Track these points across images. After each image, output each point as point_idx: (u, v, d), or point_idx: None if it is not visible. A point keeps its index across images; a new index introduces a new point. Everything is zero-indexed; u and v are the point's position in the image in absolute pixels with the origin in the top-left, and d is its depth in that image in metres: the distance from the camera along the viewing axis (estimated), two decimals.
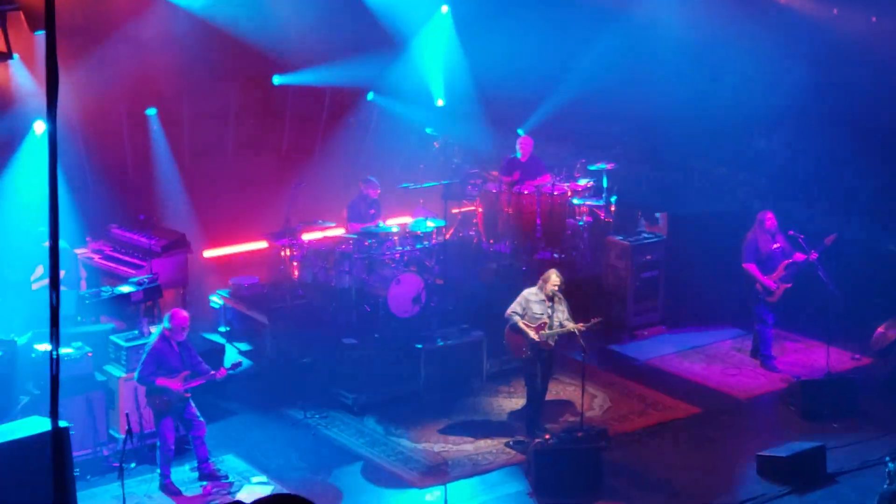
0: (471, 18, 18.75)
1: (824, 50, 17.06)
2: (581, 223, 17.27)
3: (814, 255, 14.27)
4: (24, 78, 14.81)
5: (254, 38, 16.70)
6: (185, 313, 11.81)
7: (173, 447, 11.69)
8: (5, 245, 14.43)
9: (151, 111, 16.62)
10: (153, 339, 11.75)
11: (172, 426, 11.70)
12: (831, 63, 17.04)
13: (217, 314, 15.74)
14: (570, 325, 12.63)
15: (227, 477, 11.97)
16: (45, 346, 12.16)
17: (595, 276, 16.47)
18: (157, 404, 11.61)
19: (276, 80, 17.54)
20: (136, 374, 11.71)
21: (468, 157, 18.55)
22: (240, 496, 11.44)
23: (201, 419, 11.86)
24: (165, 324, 11.66)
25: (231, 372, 12.10)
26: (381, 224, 15.65)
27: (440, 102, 19.34)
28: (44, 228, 13.98)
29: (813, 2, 17.70)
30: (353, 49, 17.75)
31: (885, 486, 10.37)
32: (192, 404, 11.80)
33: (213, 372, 11.82)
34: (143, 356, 11.67)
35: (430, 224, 15.57)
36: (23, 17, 13.35)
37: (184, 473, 11.99)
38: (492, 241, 17.28)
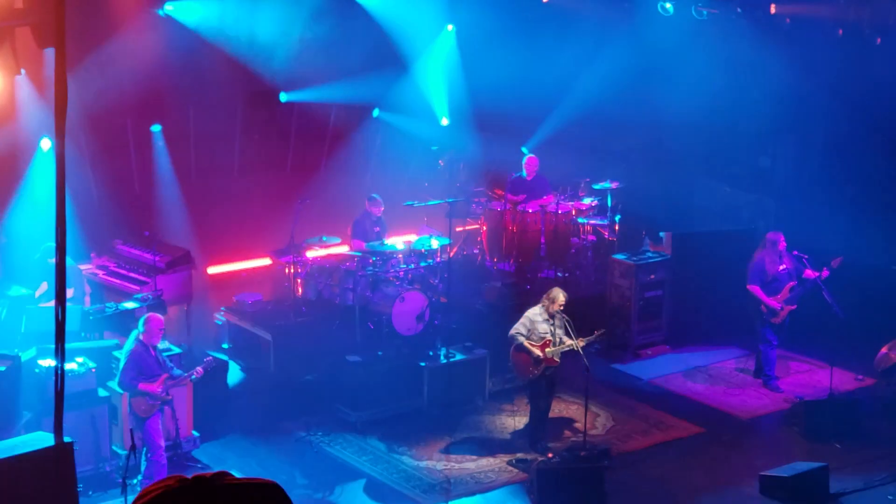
0: (475, 36, 18.77)
1: (831, 67, 17.08)
2: (585, 242, 17.30)
3: (826, 273, 14.27)
4: (29, 94, 14.84)
5: (260, 56, 16.75)
6: (160, 317, 11.88)
7: (165, 453, 11.70)
8: (10, 261, 14.45)
9: (156, 128, 16.65)
10: (130, 345, 11.78)
11: (160, 427, 11.70)
12: (837, 81, 17.07)
13: (220, 331, 15.77)
14: (574, 341, 12.64)
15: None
16: (50, 362, 12.16)
17: (599, 295, 16.46)
18: (143, 409, 11.63)
19: (284, 97, 17.58)
20: (116, 380, 11.78)
21: (473, 176, 18.58)
22: None
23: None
24: (140, 328, 11.72)
25: (207, 370, 12.14)
26: (385, 242, 15.66)
27: (444, 121, 19.35)
28: (50, 244, 13.99)
29: (818, 19, 17.70)
30: (359, 67, 17.77)
31: None
32: (172, 408, 11.99)
33: (190, 372, 11.94)
34: (123, 362, 11.75)
35: (435, 243, 15.52)
36: (31, 32, 13.36)
37: None
38: (496, 260, 17.31)
